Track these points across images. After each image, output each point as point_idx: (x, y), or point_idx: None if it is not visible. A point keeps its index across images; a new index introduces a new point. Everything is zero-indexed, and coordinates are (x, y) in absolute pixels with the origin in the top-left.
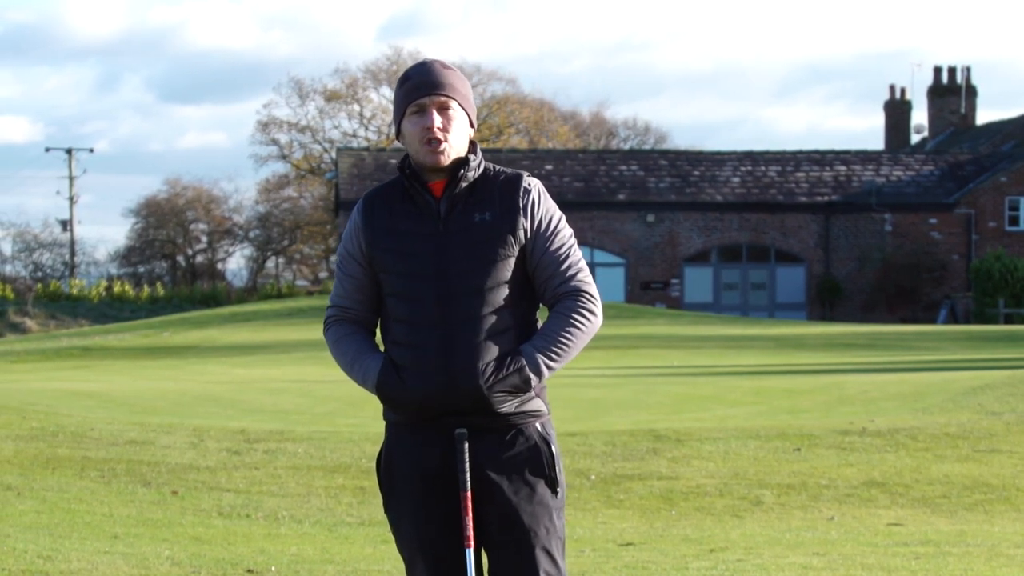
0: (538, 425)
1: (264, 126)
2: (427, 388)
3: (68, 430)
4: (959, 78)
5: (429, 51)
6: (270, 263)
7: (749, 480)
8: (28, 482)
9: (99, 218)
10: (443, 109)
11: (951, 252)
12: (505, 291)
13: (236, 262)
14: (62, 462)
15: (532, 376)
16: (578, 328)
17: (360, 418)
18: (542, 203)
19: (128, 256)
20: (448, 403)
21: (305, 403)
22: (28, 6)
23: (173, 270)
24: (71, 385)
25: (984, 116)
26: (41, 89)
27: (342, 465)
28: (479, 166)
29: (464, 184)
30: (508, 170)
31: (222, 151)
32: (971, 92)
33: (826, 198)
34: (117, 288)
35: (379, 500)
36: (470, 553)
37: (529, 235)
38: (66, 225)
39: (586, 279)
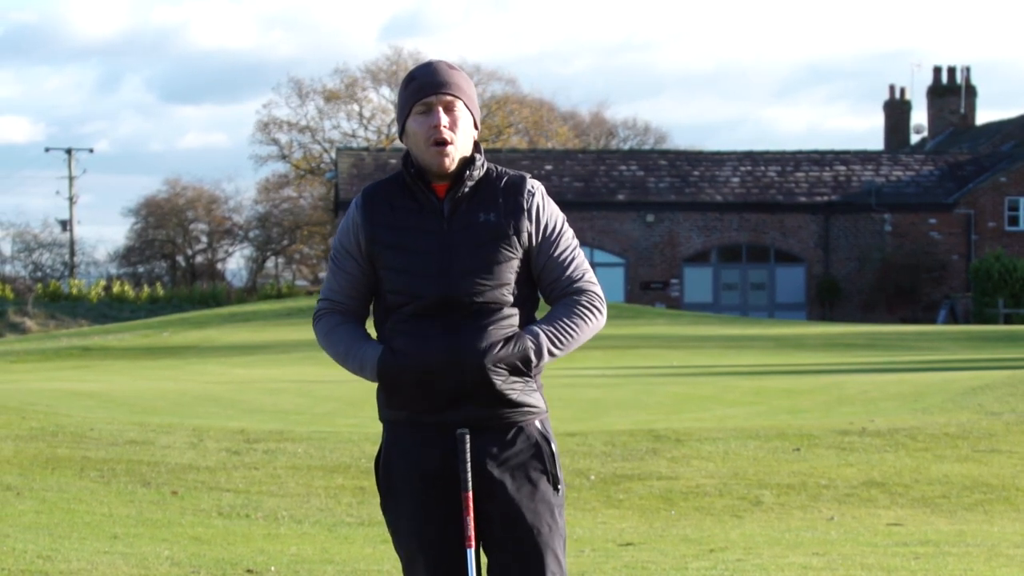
0: (538, 423)
1: (264, 126)
2: (428, 364)
3: (68, 430)
4: (959, 78)
5: (430, 51)
6: (270, 263)
7: (749, 480)
8: (28, 482)
9: (99, 218)
10: (449, 109)
11: (951, 252)
12: (508, 291)
13: (236, 262)
14: (62, 462)
15: (533, 354)
16: (583, 319)
17: (360, 418)
18: (546, 207)
19: (128, 256)
20: (449, 379)
21: (305, 403)
22: (29, 6)
23: (173, 270)
24: (71, 385)
25: (984, 116)
26: (42, 89)
27: (342, 465)
28: (482, 167)
29: (469, 184)
30: (511, 171)
31: (222, 151)
32: (971, 92)
33: (826, 198)
34: (117, 288)
35: (378, 500)
36: (471, 553)
37: (534, 238)
38: (66, 225)
39: (592, 280)
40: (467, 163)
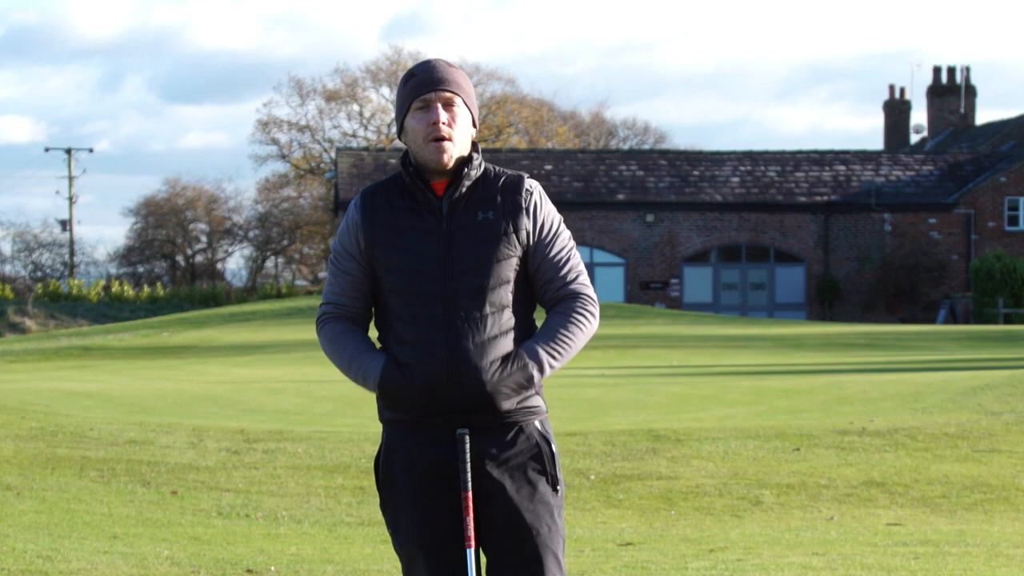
0: (537, 423)
1: (264, 126)
2: (431, 384)
3: (67, 430)
4: (958, 78)
5: (430, 51)
6: (269, 263)
7: (748, 480)
8: (27, 482)
9: (99, 218)
10: (448, 106)
11: (950, 252)
12: (508, 290)
13: (235, 262)
14: (61, 462)
15: (536, 373)
16: (578, 328)
17: (359, 418)
18: (544, 206)
19: (127, 256)
20: (452, 399)
21: (304, 403)
22: (31, 6)
23: (172, 270)
24: (70, 385)
25: (983, 116)
26: (43, 89)
27: (341, 465)
28: (480, 166)
29: (467, 183)
30: (509, 171)
31: (223, 151)
32: (970, 92)
33: (825, 198)
34: (116, 288)
35: (379, 500)
36: (471, 553)
37: (531, 237)
38: (65, 225)
39: (585, 282)
40: (465, 162)
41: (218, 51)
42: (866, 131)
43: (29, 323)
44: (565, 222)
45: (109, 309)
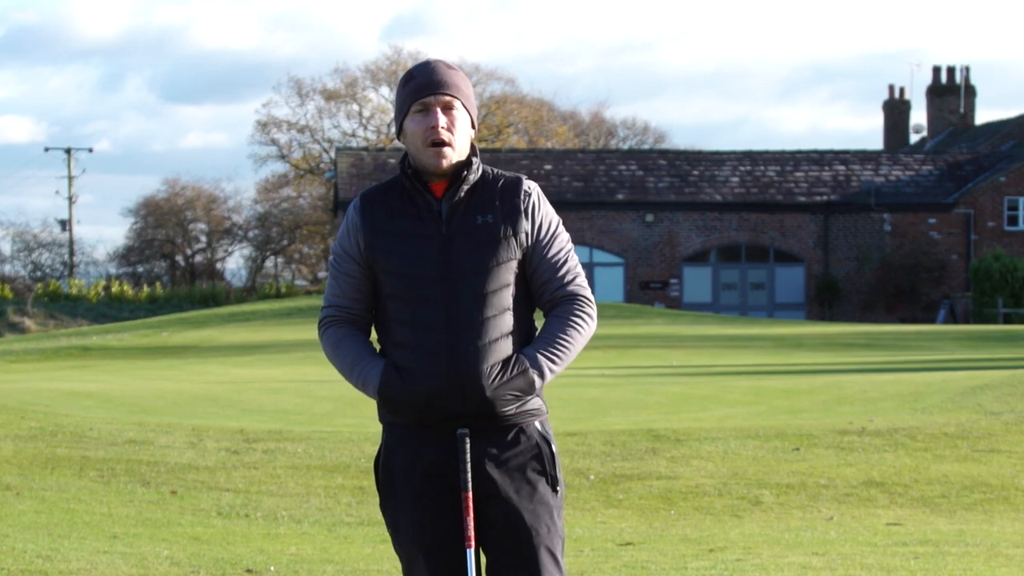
0: (537, 424)
1: (263, 126)
2: (431, 391)
3: (67, 430)
4: (958, 78)
5: (431, 51)
6: (269, 263)
7: (748, 480)
8: (27, 482)
9: (101, 218)
10: (447, 109)
11: (950, 252)
12: (508, 293)
13: (235, 262)
14: (61, 462)
15: (536, 379)
16: (577, 331)
17: (359, 418)
18: (542, 207)
19: (127, 256)
20: (452, 406)
21: (304, 403)
22: (31, 6)
23: (172, 270)
24: (70, 385)
25: (983, 116)
26: (44, 89)
27: (341, 465)
28: (478, 169)
29: (465, 187)
30: (507, 173)
31: (224, 151)
32: (970, 92)
33: (825, 198)
34: (116, 288)
35: (378, 500)
36: (471, 553)
37: (529, 239)
38: (65, 225)
39: (583, 284)
40: (464, 165)
41: (219, 51)
42: (866, 131)
43: (29, 323)
44: (565, 222)
45: (109, 309)
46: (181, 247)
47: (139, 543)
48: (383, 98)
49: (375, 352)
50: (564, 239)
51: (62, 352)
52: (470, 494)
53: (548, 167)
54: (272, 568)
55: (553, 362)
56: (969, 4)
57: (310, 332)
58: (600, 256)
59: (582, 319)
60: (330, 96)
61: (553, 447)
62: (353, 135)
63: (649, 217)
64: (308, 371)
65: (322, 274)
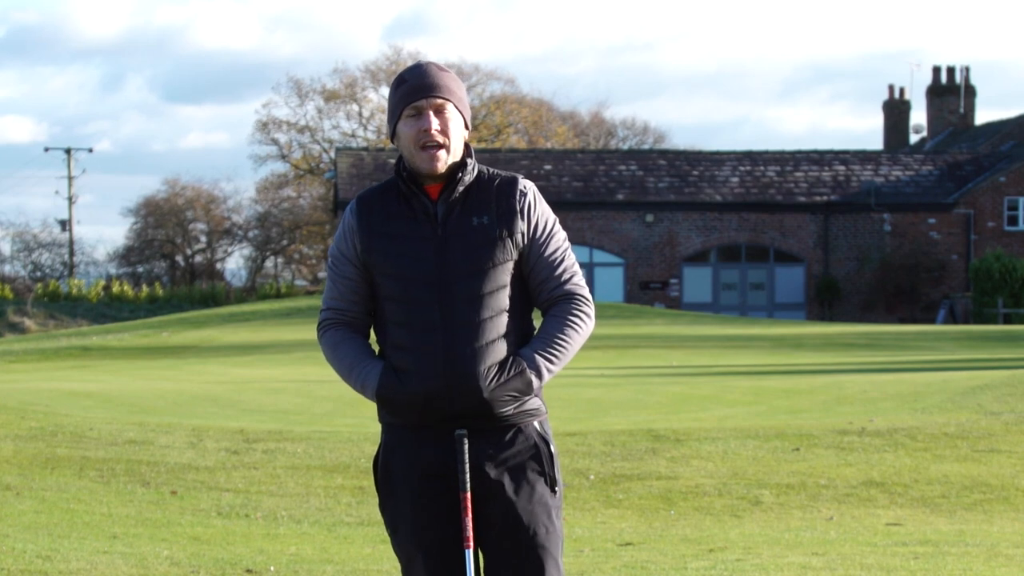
0: (536, 424)
1: (263, 126)
2: (428, 393)
3: (67, 430)
4: (958, 78)
5: (432, 51)
6: (269, 263)
7: (748, 480)
8: (27, 482)
9: (101, 218)
10: (439, 112)
11: (950, 252)
12: (504, 294)
13: (235, 262)
14: (61, 462)
15: (534, 379)
16: (575, 331)
17: (359, 418)
18: (538, 206)
19: (127, 256)
20: (450, 407)
21: (304, 403)
22: (32, 6)
23: (172, 270)
24: (70, 385)
25: (983, 116)
26: (45, 89)
27: (341, 465)
28: (473, 169)
29: (461, 188)
30: (502, 173)
31: (224, 151)
32: (970, 92)
33: (825, 198)
34: (116, 288)
35: (377, 500)
36: (469, 554)
37: (525, 238)
38: (65, 225)
39: (580, 283)
40: (459, 166)
41: (219, 51)
42: (866, 131)
43: (29, 323)
44: (564, 222)
45: (109, 309)
46: (181, 247)
47: (139, 543)
48: (383, 98)
49: (373, 354)
50: (561, 238)
51: (62, 352)
52: (468, 494)
53: (548, 167)
54: (272, 568)
55: (551, 362)
56: (969, 4)
57: (310, 332)
58: (600, 256)
59: (580, 318)
60: (330, 96)
61: (552, 447)
62: (353, 135)
63: (649, 217)
64: (308, 371)
65: (322, 274)
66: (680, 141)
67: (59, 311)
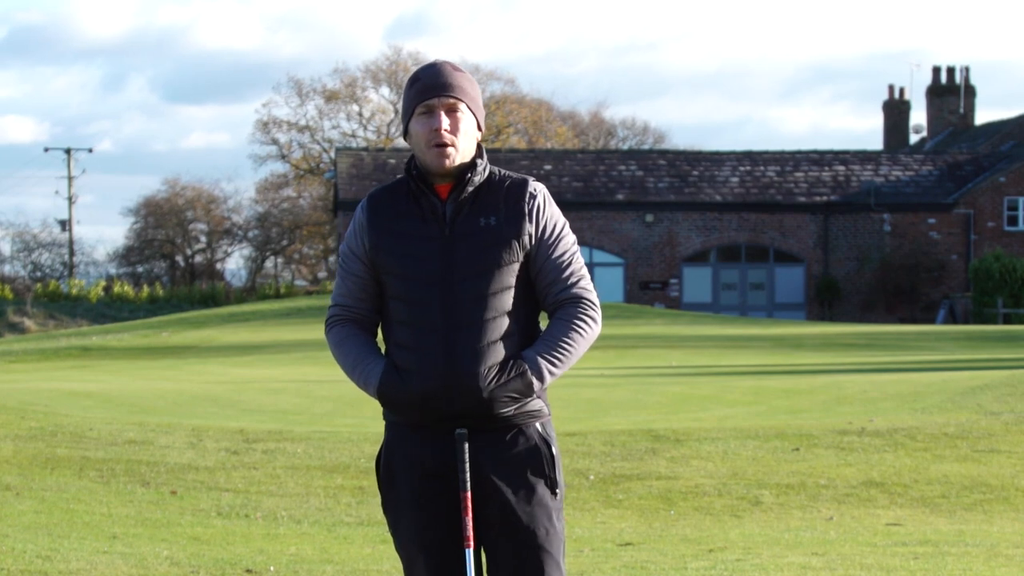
0: (538, 425)
1: (263, 126)
2: (428, 392)
3: (67, 430)
4: (958, 78)
5: (433, 51)
6: (269, 263)
7: (748, 480)
8: (27, 482)
9: (101, 218)
10: (451, 111)
11: (950, 252)
12: (509, 296)
13: (235, 262)
14: (61, 462)
15: (535, 381)
16: (579, 334)
17: (359, 418)
18: (547, 208)
19: (127, 256)
20: (450, 407)
21: (304, 403)
22: (34, 6)
23: (172, 270)
24: (70, 385)
25: (983, 116)
26: (47, 89)
27: (341, 465)
28: (484, 170)
29: (470, 188)
30: (513, 174)
31: (226, 151)
32: (970, 92)
33: (825, 198)
34: (116, 288)
35: (378, 500)
36: (470, 553)
37: (533, 240)
38: (65, 225)
39: (587, 286)
40: (469, 167)
41: (221, 51)
42: (867, 131)
43: (28, 323)
44: None
45: (108, 309)
46: (181, 247)
47: (139, 543)
48: (383, 98)
49: (378, 352)
50: (569, 241)
51: (62, 352)
52: (469, 494)
53: (548, 167)
54: (272, 568)
55: (553, 365)
56: (969, 4)
57: (310, 332)
58: (600, 256)
59: (585, 322)
60: (330, 96)
61: (554, 449)
62: (353, 135)
63: (649, 217)
64: (308, 371)
65: (322, 274)
66: (682, 141)
67: (59, 311)
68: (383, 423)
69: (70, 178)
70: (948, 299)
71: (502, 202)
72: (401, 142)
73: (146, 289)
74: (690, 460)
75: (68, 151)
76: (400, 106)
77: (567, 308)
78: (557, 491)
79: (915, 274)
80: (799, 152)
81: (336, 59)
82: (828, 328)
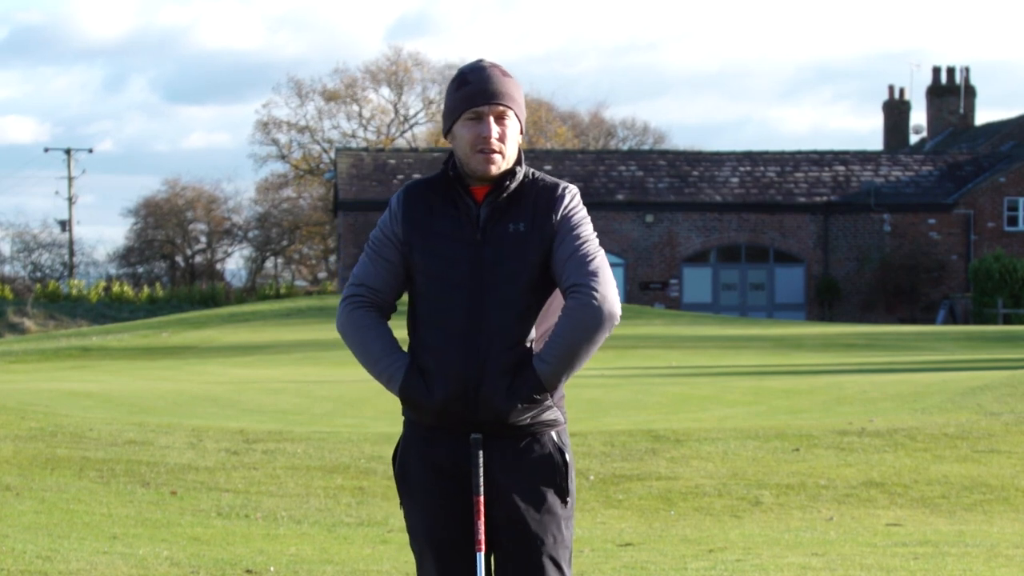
0: (553, 434)
1: (263, 126)
2: (447, 398)
3: (67, 430)
4: (958, 78)
5: (434, 52)
6: (269, 263)
7: (748, 480)
8: (27, 482)
9: (101, 218)
10: (500, 119)
11: (950, 252)
12: (532, 303)
13: (235, 262)
14: (61, 462)
15: (546, 389)
16: (579, 330)
17: (359, 418)
18: (570, 204)
19: (127, 256)
20: (467, 414)
21: (304, 403)
22: (35, 6)
23: (172, 270)
24: (70, 385)
25: (983, 116)
26: (48, 89)
27: (341, 465)
28: (521, 176)
29: (506, 194)
30: (548, 178)
31: (226, 151)
32: (970, 92)
33: (825, 198)
34: (116, 288)
35: (377, 500)
36: (481, 557)
37: (553, 233)
38: (65, 225)
39: (591, 269)
40: (508, 173)
41: (222, 51)
42: (868, 131)
43: (28, 323)
44: None
45: (108, 309)
46: (181, 247)
47: (139, 543)
48: (383, 98)
49: (399, 348)
50: (586, 231)
51: (62, 352)
52: (482, 498)
53: (548, 167)
54: (272, 568)
55: (559, 370)
56: (969, 4)
57: (310, 332)
58: None
59: (582, 312)
60: (330, 97)
61: (568, 457)
62: (353, 136)
63: (649, 217)
64: (308, 371)
65: (322, 275)
66: (682, 141)
67: (59, 311)
68: (383, 423)
69: (70, 178)
70: (948, 299)
71: (531, 207)
72: (401, 142)
73: (146, 289)
74: (690, 460)
75: (68, 151)
76: (442, 105)
77: (568, 302)
78: (568, 500)
79: (915, 274)
80: (799, 152)
81: (336, 59)
82: (828, 328)
